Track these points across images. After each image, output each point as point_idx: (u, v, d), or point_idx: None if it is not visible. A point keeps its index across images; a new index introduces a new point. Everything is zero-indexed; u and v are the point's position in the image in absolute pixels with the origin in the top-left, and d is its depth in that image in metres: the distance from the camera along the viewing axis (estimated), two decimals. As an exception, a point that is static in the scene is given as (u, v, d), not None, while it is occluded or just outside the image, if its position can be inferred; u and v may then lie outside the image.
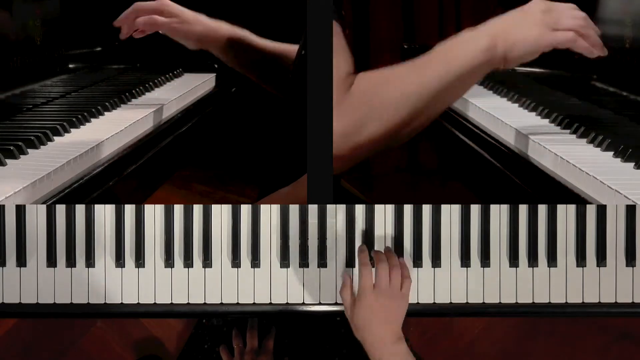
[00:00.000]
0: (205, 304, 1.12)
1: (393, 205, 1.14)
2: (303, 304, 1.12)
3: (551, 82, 1.47)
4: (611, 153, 1.03)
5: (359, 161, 0.86)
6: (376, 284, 1.05)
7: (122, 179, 1.09)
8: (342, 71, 0.85)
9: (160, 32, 1.30)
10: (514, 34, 0.95)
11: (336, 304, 1.12)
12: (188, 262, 1.12)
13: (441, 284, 1.13)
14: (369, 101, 0.85)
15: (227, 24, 1.31)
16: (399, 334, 1.03)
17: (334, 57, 0.86)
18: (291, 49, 1.32)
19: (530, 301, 1.12)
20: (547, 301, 1.12)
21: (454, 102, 0.93)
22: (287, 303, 1.12)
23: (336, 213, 1.13)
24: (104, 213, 1.12)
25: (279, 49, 1.32)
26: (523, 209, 1.13)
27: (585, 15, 1.01)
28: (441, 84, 0.90)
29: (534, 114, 1.29)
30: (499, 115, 1.25)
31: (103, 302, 1.11)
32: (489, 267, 1.13)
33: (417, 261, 1.13)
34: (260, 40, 1.32)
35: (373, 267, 1.04)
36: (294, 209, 1.13)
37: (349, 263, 1.12)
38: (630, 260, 1.12)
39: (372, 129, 0.84)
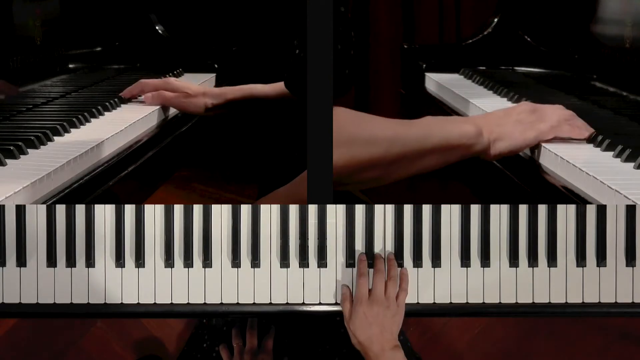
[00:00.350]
0: (205, 304, 1.12)
1: (393, 205, 1.14)
2: (303, 304, 1.12)
3: (551, 82, 1.47)
4: (611, 153, 1.03)
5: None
6: (372, 293, 1.08)
7: (122, 179, 1.09)
8: None
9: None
10: (500, 128, 1.00)
11: (336, 304, 1.12)
12: (188, 262, 1.12)
13: (441, 284, 1.13)
14: (341, 127, 0.87)
15: (230, 88, 1.35)
16: (394, 342, 1.06)
17: None
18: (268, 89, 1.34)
19: (530, 301, 1.12)
20: (547, 301, 1.12)
21: (417, 173, 0.94)
22: (287, 303, 1.12)
23: (336, 213, 1.13)
24: (104, 213, 1.12)
25: (283, 89, 1.34)
26: (523, 209, 1.13)
27: (570, 112, 1.06)
28: (415, 146, 0.91)
29: (534, 114, 1.29)
30: (499, 115, 1.25)
31: (103, 302, 1.11)
32: (489, 267, 1.13)
33: (417, 261, 1.13)
34: (263, 88, 1.34)
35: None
36: (294, 209, 1.13)
37: (349, 263, 1.13)
38: (630, 260, 1.12)
39: (336, 154, 0.86)
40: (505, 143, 1.00)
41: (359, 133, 0.87)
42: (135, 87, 1.36)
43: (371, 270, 1.12)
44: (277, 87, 1.33)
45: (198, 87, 1.36)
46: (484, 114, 1.04)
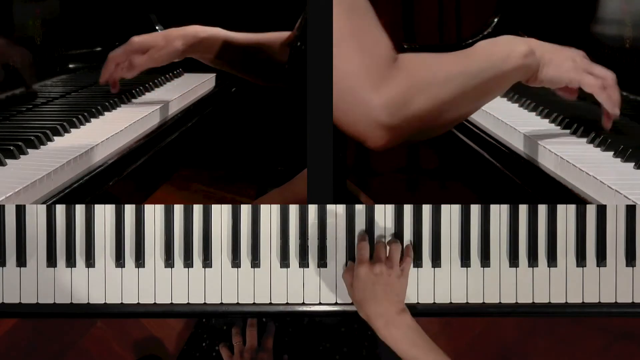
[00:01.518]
0: (205, 304, 1.12)
1: (393, 205, 1.14)
2: (303, 304, 1.12)
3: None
4: (611, 153, 1.03)
5: (405, 138, 0.85)
6: (374, 256, 1.05)
7: (121, 179, 1.09)
8: (383, 44, 0.84)
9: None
10: (551, 54, 1.02)
11: (336, 303, 1.12)
12: (188, 262, 1.12)
13: (441, 284, 1.13)
14: (417, 75, 0.84)
15: (200, 27, 1.32)
16: (401, 304, 1.02)
17: (372, 31, 0.86)
18: (269, 36, 1.33)
19: (530, 301, 1.12)
20: (547, 301, 1.12)
21: (489, 101, 0.94)
22: (287, 303, 1.12)
23: (336, 213, 1.13)
24: (104, 213, 1.12)
25: (257, 38, 1.34)
26: (523, 209, 1.13)
27: (614, 76, 1.08)
28: (482, 77, 0.90)
29: (534, 114, 1.29)
30: (499, 116, 1.25)
31: (103, 302, 1.11)
32: (489, 267, 1.12)
33: (417, 261, 1.13)
34: (235, 34, 1.33)
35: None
36: (294, 209, 1.13)
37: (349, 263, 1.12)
38: (630, 260, 1.12)
39: (419, 101, 0.83)
40: (552, 70, 1.01)
41: (433, 75, 0.85)
42: (108, 64, 1.31)
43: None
44: (250, 36, 1.32)
45: (164, 34, 1.32)
46: (539, 41, 1.04)
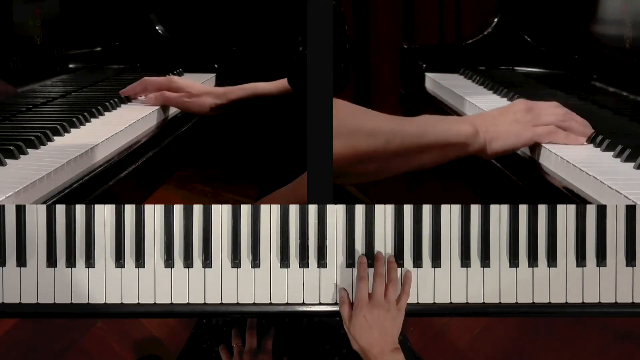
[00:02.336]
0: (205, 304, 1.12)
1: (393, 205, 1.14)
2: (303, 304, 1.12)
3: (551, 82, 1.47)
4: (611, 153, 1.03)
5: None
6: (372, 296, 1.08)
7: (122, 179, 1.09)
8: None
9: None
10: (496, 128, 1.01)
11: (336, 304, 1.12)
12: (188, 262, 1.12)
13: (441, 284, 1.13)
14: (342, 119, 0.88)
15: (234, 87, 1.35)
16: (394, 345, 1.06)
17: None
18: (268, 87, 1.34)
19: (530, 301, 1.12)
20: (547, 301, 1.12)
21: (414, 169, 0.96)
22: (287, 303, 1.12)
23: (336, 213, 1.13)
24: (104, 213, 1.12)
25: (286, 86, 1.34)
26: (523, 209, 1.13)
27: (566, 110, 1.07)
28: (413, 141, 0.93)
29: (534, 114, 1.28)
30: (499, 115, 1.25)
31: (103, 302, 1.11)
32: (489, 267, 1.12)
33: (417, 261, 1.13)
34: (266, 86, 1.34)
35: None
36: (294, 209, 1.13)
37: (349, 263, 1.12)
38: (630, 260, 1.12)
39: (337, 145, 0.87)
40: (500, 142, 1.01)
41: (360, 125, 0.88)
42: (138, 85, 1.35)
43: (371, 271, 1.11)
44: (279, 85, 1.33)
45: (201, 86, 1.36)
46: (480, 113, 1.05)
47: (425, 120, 0.97)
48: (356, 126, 0.88)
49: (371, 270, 1.12)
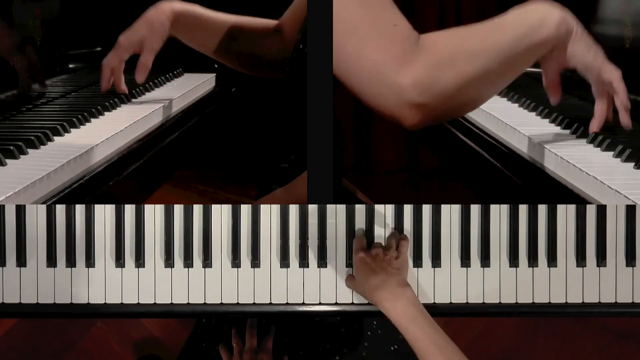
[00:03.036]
0: (205, 304, 1.12)
1: (393, 205, 1.14)
2: (303, 304, 1.12)
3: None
4: (611, 153, 1.03)
5: (439, 116, 0.85)
6: (372, 246, 1.07)
7: (122, 179, 1.09)
8: (402, 27, 0.83)
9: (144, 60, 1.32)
10: (583, 30, 1.00)
11: (336, 304, 1.12)
12: (188, 262, 1.12)
13: (441, 284, 1.13)
14: (442, 52, 0.83)
15: (175, 2, 1.31)
16: (402, 280, 1.04)
17: (389, 15, 0.85)
18: (251, 20, 1.32)
19: (530, 301, 1.12)
20: (547, 301, 1.12)
21: (520, 73, 0.93)
22: (287, 303, 1.12)
23: (336, 213, 1.13)
24: (104, 213, 1.12)
25: (236, 20, 1.32)
26: (523, 209, 1.13)
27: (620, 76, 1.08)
28: (511, 49, 0.89)
29: (534, 114, 1.29)
30: (499, 116, 1.25)
31: (103, 302, 1.11)
32: (489, 267, 1.12)
33: (417, 261, 1.13)
34: (212, 12, 1.31)
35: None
36: (294, 209, 1.13)
37: (349, 263, 1.12)
38: (630, 260, 1.12)
39: (447, 77, 0.83)
40: (581, 47, 1.01)
41: (458, 51, 0.84)
42: (104, 73, 1.31)
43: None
44: (228, 16, 1.31)
45: (143, 20, 1.31)
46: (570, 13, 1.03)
47: (517, 19, 0.93)
48: (455, 54, 0.84)
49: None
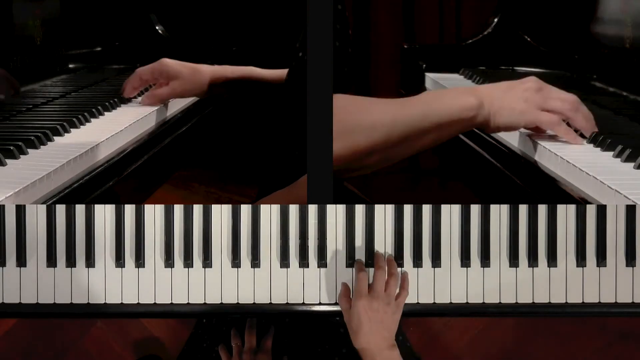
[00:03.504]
0: (205, 304, 1.12)
1: (393, 205, 1.14)
2: (303, 304, 1.12)
3: (551, 82, 1.47)
4: (611, 153, 1.03)
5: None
6: (372, 288, 1.07)
7: (122, 179, 1.09)
8: None
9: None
10: (501, 101, 0.99)
11: (336, 303, 1.12)
12: (188, 262, 1.12)
13: (441, 284, 1.13)
14: (341, 120, 0.86)
15: (230, 67, 1.33)
16: (391, 340, 1.05)
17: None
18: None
19: (530, 301, 1.12)
20: (547, 301, 1.12)
21: (422, 150, 0.94)
22: (287, 303, 1.12)
23: (336, 213, 1.13)
24: (104, 213, 1.12)
25: (283, 76, 1.34)
26: (523, 209, 1.13)
27: (576, 98, 1.05)
28: (417, 125, 0.91)
29: (534, 114, 1.28)
30: (499, 115, 1.25)
31: (103, 302, 1.11)
32: (489, 267, 1.13)
33: (417, 261, 1.13)
34: (263, 71, 1.33)
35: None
36: (294, 209, 1.13)
37: (349, 263, 1.13)
38: (630, 260, 1.12)
39: (337, 145, 0.86)
40: (504, 118, 0.99)
41: (359, 120, 0.86)
42: (134, 79, 1.32)
43: (371, 270, 1.11)
44: (276, 73, 1.32)
45: (192, 66, 1.32)
46: (488, 84, 1.02)
47: (426, 99, 0.95)
48: (355, 122, 0.86)
49: (370, 270, 1.12)
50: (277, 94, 1.33)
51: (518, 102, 1.00)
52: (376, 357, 1.03)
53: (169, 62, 1.31)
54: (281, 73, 1.33)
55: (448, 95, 0.97)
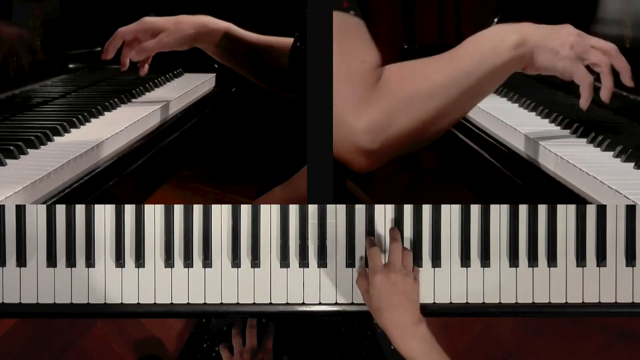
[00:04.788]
0: (205, 304, 1.12)
1: (393, 205, 1.14)
2: (303, 304, 1.12)
3: (551, 82, 1.47)
4: (611, 153, 1.03)
5: (389, 159, 0.84)
6: (389, 261, 1.03)
7: (122, 179, 1.09)
8: (369, 63, 0.83)
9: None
10: (544, 39, 0.96)
11: (336, 304, 1.12)
12: (188, 262, 1.12)
13: (441, 284, 1.13)
14: (399, 93, 0.82)
15: (211, 18, 1.32)
16: (418, 314, 1.01)
17: (360, 49, 0.85)
18: (279, 40, 1.33)
19: (530, 301, 1.12)
20: (547, 301, 1.12)
21: (481, 100, 0.91)
22: (287, 303, 1.12)
23: (336, 213, 1.13)
24: (104, 213, 1.12)
25: (266, 40, 1.33)
26: (523, 209, 1.13)
27: (614, 46, 1.02)
28: (471, 79, 0.87)
29: (533, 114, 1.29)
30: (499, 116, 1.25)
31: (103, 302, 1.11)
32: (489, 267, 1.12)
33: (417, 261, 1.13)
34: (246, 32, 1.33)
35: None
36: (294, 209, 1.13)
37: (349, 263, 1.12)
38: (630, 260, 1.12)
39: (402, 122, 0.81)
40: (548, 58, 0.96)
41: (415, 92, 0.83)
42: (116, 39, 1.29)
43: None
44: (261, 37, 1.32)
45: (175, 19, 1.31)
46: (527, 23, 0.99)
47: (474, 46, 0.91)
48: (413, 94, 0.83)
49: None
50: (275, 94, 1.34)
51: (563, 47, 0.98)
52: (405, 335, 0.98)
53: (151, 19, 1.30)
54: (265, 38, 1.33)
55: (494, 36, 0.93)
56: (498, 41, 0.92)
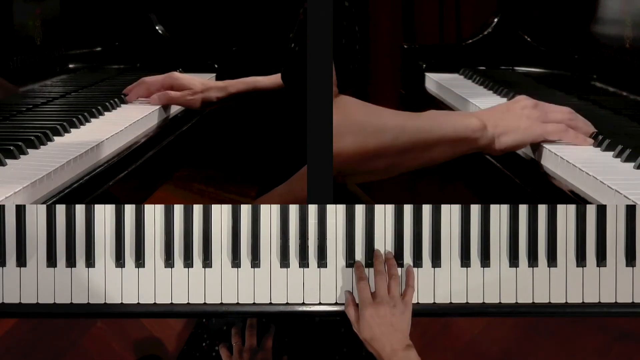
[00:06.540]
0: (205, 304, 1.12)
1: (393, 205, 1.14)
2: (303, 304, 1.12)
3: (551, 82, 1.47)
4: (611, 153, 1.03)
5: (336, 173, 0.89)
6: (375, 294, 1.07)
7: (122, 179, 1.09)
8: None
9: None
10: (505, 122, 1.01)
11: (336, 303, 1.12)
12: (188, 262, 1.12)
13: (441, 284, 1.13)
14: (350, 117, 0.88)
15: (234, 81, 1.36)
16: (406, 341, 1.04)
17: None
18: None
19: (530, 301, 1.12)
20: (547, 301, 1.12)
21: (424, 165, 0.96)
22: (287, 303, 1.12)
23: (336, 213, 1.13)
24: (104, 213, 1.12)
25: (277, 80, 1.35)
26: (523, 209, 1.13)
27: (569, 108, 1.07)
28: (422, 136, 0.92)
29: (534, 114, 1.28)
30: (499, 115, 1.25)
31: (103, 302, 1.11)
32: (489, 267, 1.13)
33: (417, 261, 1.13)
34: (265, 80, 1.35)
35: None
36: (294, 209, 1.13)
37: (349, 263, 1.13)
38: (630, 260, 1.12)
39: (345, 142, 0.87)
40: (510, 137, 1.01)
41: (368, 121, 0.88)
42: (140, 88, 1.34)
43: (370, 272, 1.11)
44: (278, 79, 1.34)
45: (202, 81, 1.36)
46: (486, 109, 1.05)
47: (432, 115, 0.97)
48: (364, 123, 0.88)
49: (370, 270, 1.12)
50: (276, 95, 1.34)
51: (521, 121, 1.02)
52: (393, 359, 1.03)
53: (179, 75, 1.35)
54: (276, 79, 1.35)
55: (452, 115, 1.00)
56: (456, 118, 0.98)
